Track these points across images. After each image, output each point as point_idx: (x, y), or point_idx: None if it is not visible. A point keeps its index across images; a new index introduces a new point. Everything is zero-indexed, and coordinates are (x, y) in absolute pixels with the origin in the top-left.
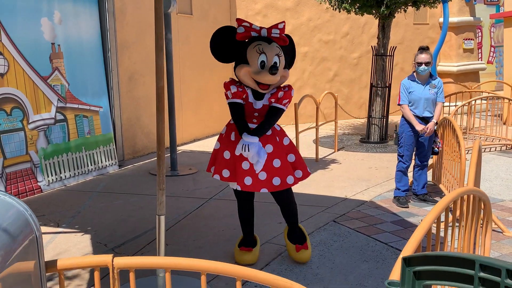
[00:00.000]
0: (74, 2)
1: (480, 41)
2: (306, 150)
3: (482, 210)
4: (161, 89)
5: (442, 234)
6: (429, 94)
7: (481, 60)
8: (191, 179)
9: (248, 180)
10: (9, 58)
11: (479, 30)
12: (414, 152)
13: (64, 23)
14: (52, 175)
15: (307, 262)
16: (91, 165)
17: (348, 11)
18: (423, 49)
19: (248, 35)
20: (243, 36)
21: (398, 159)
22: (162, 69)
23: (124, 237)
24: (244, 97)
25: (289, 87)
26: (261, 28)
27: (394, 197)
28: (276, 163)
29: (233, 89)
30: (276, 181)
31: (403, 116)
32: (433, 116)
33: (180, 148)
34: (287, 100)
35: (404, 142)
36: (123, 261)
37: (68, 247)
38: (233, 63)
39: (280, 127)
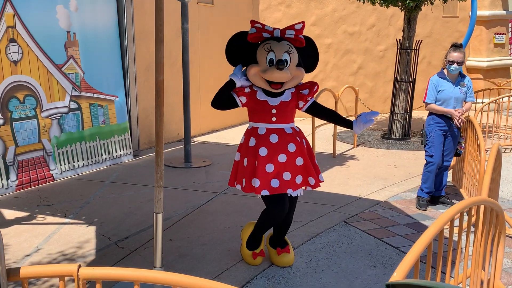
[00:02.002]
0: None
1: None
2: (325, 145)
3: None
4: (161, 84)
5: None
6: (459, 93)
7: None
8: (204, 171)
9: (275, 183)
10: (23, 45)
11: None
12: None
13: (80, 11)
14: (65, 164)
15: (289, 265)
16: (105, 154)
17: (373, 3)
18: (457, 47)
19: (260, 35)
20: (255, 37)
21: (426, 159)
22: (161, 63)
23: (129, 230)
24: (247, 91)
25: (312, 83)
26: (274, 29)
27: (417, 196)
28: (299, 161)
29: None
30: (299, 179)
31: (430, 115)
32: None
33: (197, 139)
34: (316, 87)
35: (433, 142)
36: (89, 272)
37: (72, 239)
38: None
39: (299, 128)
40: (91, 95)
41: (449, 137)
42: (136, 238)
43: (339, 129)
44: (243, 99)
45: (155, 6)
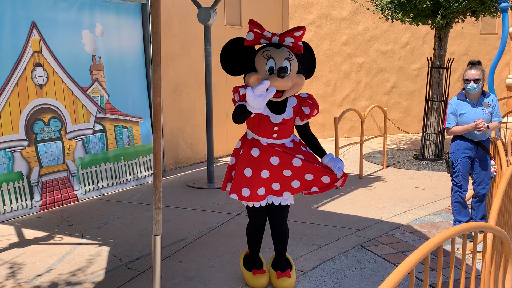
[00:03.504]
0: (116, 14)
1: None
2: (352, 166)
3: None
4: (157, 106)
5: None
6: (483, 115)
7: None
8: (225, 192)
9: (261, 191)
10: (48, 69)
11: None
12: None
13: (106, 36)
14: (89, 184)
15: None
16: (130, 175)
17: (402, 21)
18: (473, 64)
19: (258, 42)
20: (252, 42)
21: (453, 189)
22: (158, 85)
23: (141, 252)
24: None
25: (310, 97)
26: (273, 35)
27: None
28: (308, 177)
29: (242, 91)
30: (296, 183)
31: (454, 140)
32: (488, 139)
33: (225, 160)
34: (316, 111)
35: (460, 170)
36: None
37: (84, 260)
38: None
39: (299, 138)
40: (115, 116)
41: (477, 162)
42: (147, 260)
43: (372, 149)
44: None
45: (152, 30)
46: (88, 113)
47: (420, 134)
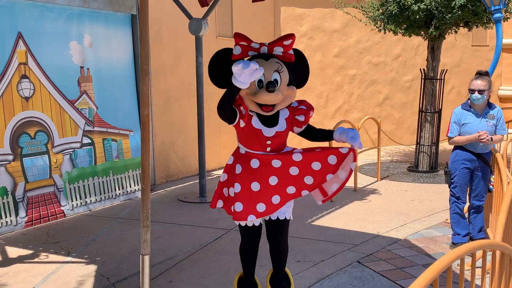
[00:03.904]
0: (106, 25)
1: None
2: None
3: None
4: (146, 118)
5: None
6: (487, 126)
7: None
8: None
9: (276, 199)
10: (35, 81)
11: None
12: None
13: (95, 47)
14: (76, 200)
15: None
16: (119, 189)
17: (395, 33)
18: (480, 74)
19: (246, 55)
20: (240, 56)
21: (451, 200)
22: (147, 96)
23: (129, 270)
24: (244, 112)
25: (300, 102)
26: (261, 45)
27: (453, 243)
28: (316, 165)
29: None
30: (308, 180)
31: (454, 150)
32: (490, 152)
33: (217, 173)
34: (311, 113)
35: (458, 181)
36: None
37: (69, 279)
38: None
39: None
40: (104, 129)
41: (477, 174)
42: (135, 279)
43: (366, 161)
44: (242, 123)
45: (140, 38)
46: (76, 126)
47: (413, 146)
